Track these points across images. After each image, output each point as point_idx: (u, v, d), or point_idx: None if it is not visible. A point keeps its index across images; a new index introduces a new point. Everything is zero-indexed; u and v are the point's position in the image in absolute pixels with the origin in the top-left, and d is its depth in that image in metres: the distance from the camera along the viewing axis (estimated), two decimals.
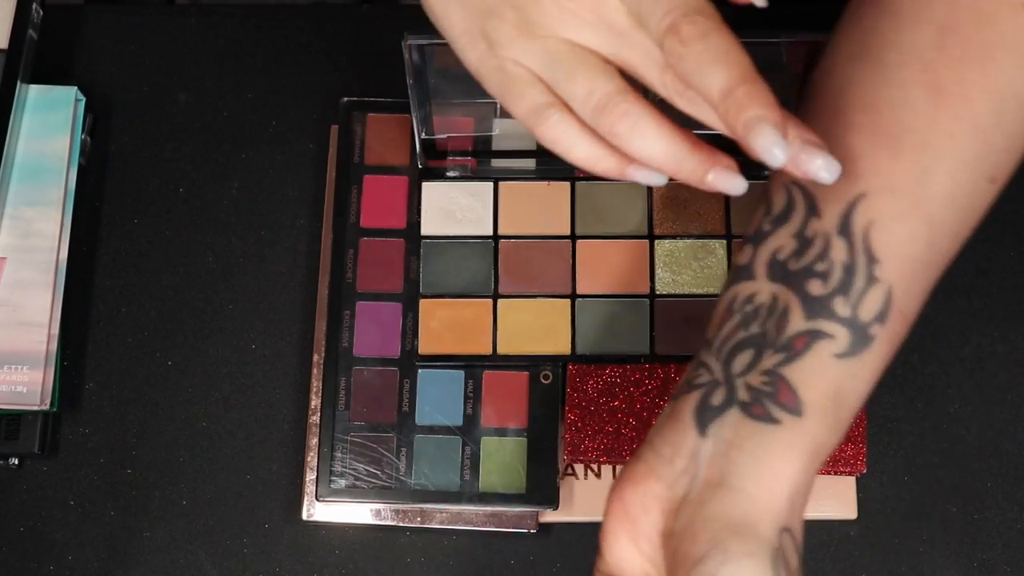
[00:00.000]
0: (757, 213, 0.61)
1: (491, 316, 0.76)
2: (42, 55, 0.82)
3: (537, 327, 0.76)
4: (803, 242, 0.58)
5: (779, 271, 0.58)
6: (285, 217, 0.81)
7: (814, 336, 0.57)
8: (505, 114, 0.65)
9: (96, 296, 0.79)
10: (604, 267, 0.77)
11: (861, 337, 0.57)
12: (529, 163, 0.78)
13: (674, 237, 0.77)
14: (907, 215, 0.58)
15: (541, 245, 0.78)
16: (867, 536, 0.75)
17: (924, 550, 0.75)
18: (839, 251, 0.58)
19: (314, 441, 0.75)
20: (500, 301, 0.77)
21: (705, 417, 0.57)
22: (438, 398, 0.75)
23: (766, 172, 0.58)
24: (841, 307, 0.57)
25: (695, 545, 0.56)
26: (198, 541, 0.76)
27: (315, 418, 0.76)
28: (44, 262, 0.77)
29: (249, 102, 0.83)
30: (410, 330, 0.76)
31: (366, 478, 0.74)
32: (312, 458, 0.75)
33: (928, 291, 0.60)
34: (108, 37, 0.84)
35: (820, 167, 0.53)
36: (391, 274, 0.77)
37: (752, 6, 0.53)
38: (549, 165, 0.78)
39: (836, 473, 0.74)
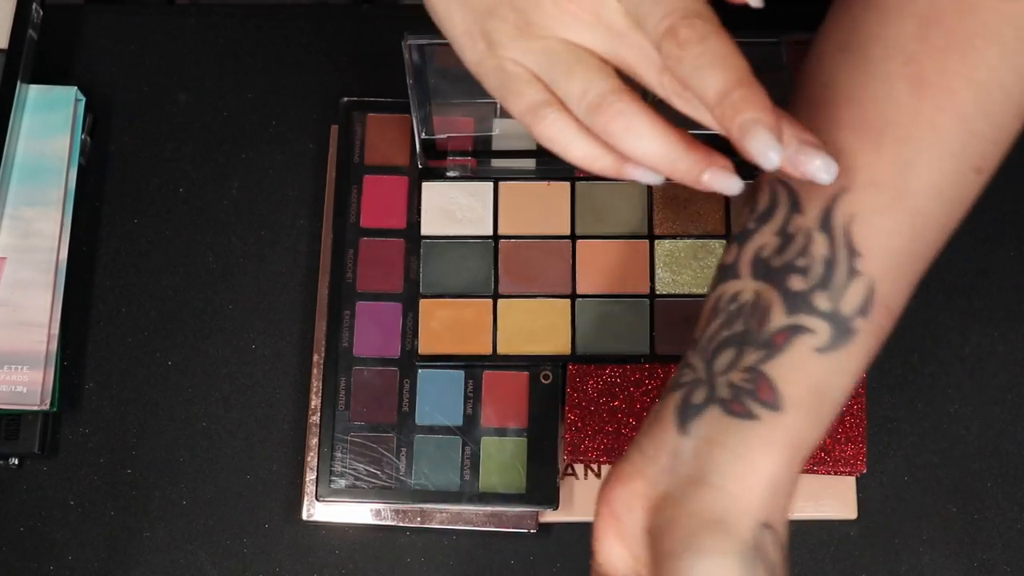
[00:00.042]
0: (743, 212, 0.61)
1: (491, 316, 0.76)
2: (42, 55, 0.82)
3: (537, 327, 0.76)
4: (785, 239, 0.59)
5: (762, 268, 0.59)
6: (285, 217, 0.81)
7: (795, 331, 0.57)
8: (505, 114, 0.66)
9: (96, 296, 0.79)
10: (604, 267, 0.77)
11: (843, 331, 0.57)
12: (529, 163, 0.78)
13: (674, 237, 0.77)
14: (889, 208, 0.58)
15: (541, 245, 0.78)
16: (867, 536, 0.75)
17: (924, 550, 0.75)
18: (820, 246, 0.58)
19: (314, 441, 0.75)
20: (500, 301, 0.77)
21: (686, 415, 0.58)
22: (438, 398, 0.75)
23: (757, 172, 0.58)
24: (822, 301, 0.57)
25: (671, 542, 0.56)
26: (198, 541, 0.76)
27: (315, 418, 0.76)
28: (44, 262, 0.77)
29: (249, 102, 0.83)
30: (410, 330, 0.76)
31: (366, 478, 0.74)
32: (312, 458, 0.75)
33: (915, 283, 0.59)
34: (108, 37, 0.84)
35: (819, 168, 0.54)
36: (391, 274, 0.77)
37: (747, 6, 0.54)
38: (549, 165, 0.78)
39: (836, 473, 0.74)
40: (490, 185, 0.79)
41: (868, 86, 0.59)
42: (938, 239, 0.59)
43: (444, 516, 0.75)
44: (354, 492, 0.74)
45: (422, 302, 0.77)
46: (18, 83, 0.79)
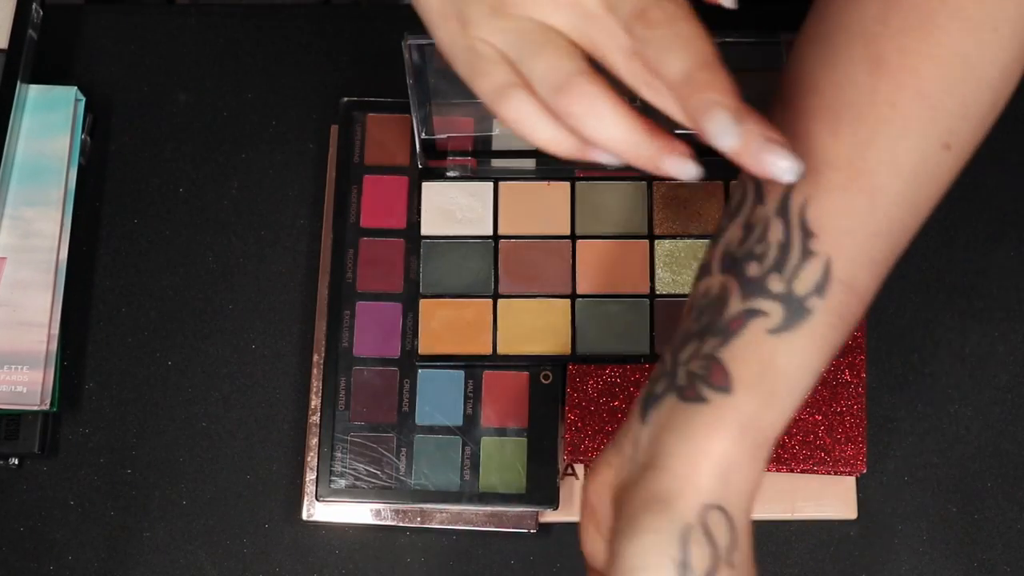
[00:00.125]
0: (723, 211, 0.61)
1: (491, 316, 0.76)
2: (42, 55, 0.82)
3: (537, 327, 0.76)
4: (748, 229, 0.59)
5: (728, 261, 0.59)
6: (285, 217, 0.81)
7: (748, 315, 0.57)
8: None
9: (96, 296, 0.79)
10: (604, 267, 0.77)
11: (797, 311, 0.57)
12: (529, 163, 0.78)
13: (674, 237, 0.77)
14: (845, 187, 0.58)
15: (541, 245, 0.78)
16: (867, 536, 0.75)
17: (924, 550, 0.75)
18: (776, 231, 0.58)
19: (314, 441, 0.75)
20: (500, 301, 0.77)
21: (648, 405, 0.58)
22: (438, 398, 0.75)
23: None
24: (776, 284, 0.57)
25: (619, 522, 0.57)
26: (198, 541, 0.76)
27: (315, 418, 0.76)
28: (44, 262, 0.77)
29: (249, 102, 0.83)
30: (410, 330, 0.76)
31: (366, 478, 0.74)
32: (312, 458, 0.75)
33: (883, 260, 0.59)
34: (108, 37, 0.84)
35: (784, 169, 0.53)
36: (391, 274, 0.77)
37: (720, 7, 0.54)
38: (549, 165, 0.78)
39: (836, 473, 0.74)
40: (490, 185, 0.79)
41: (830, 73, 0.59)
42: (906, 216, 0.59)
43: (444, 516, 0.75)
44: (354, 492, 0.74)
45: (422, 302, 0.77)
46: (18, 83, 0.79)
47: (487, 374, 0.76)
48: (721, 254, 0.60)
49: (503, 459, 0.74)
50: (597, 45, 0.55)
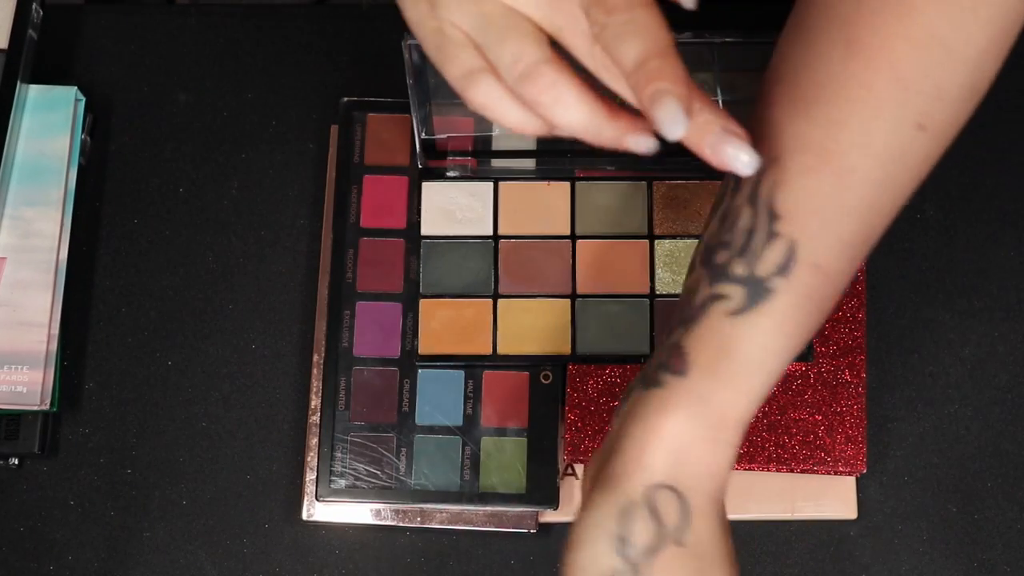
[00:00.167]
0: None
1: (491, 316, 0.76)
2: (42, 55, 0.82)
3: (537, 327, 0.76)
4: (722, 220, 0.59)
5: (706, 254, 0.60)
6: (285, 217, 0.81)
7: (710, 300, 0.58)
8: None
9: (96, 296, 0.79)
10: (604, 267, 0.77)
11: (758, 292, 0.57)
12: (529, 163, 0.78)
13: (674, 237, 0.77)
14: (813, 168, 0.58)
15: (541, 245, 0.78)
16: (867, 536, 0.75)
17: (924, 550, 0.75)
18: (745, 218, 0.58)
19: (314, 441, 0.75)
20: (500, 301, 0.77)
21: (623, 400, 0.60)
22: (438, 398, 0.75)
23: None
24: (738, 268, 0.58)
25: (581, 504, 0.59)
26: (198, 541, 0.76)
27: (315, 418, 0.76)
28: (44, 262, 0.77)
29: (249, 102, 0.83)
30: (410, 330, 0.76)
31: (366, 478, 0.74)
32: (312, 458, 0.75)
33: (855, 242, 0.59)
34: (108, 37, 0.84)
35: (744, 163, 0.54)
36: (391, 274, 0.77)
37: (679, 6, 0.54)
38: (549, 165, 0.78)
39: (836, 473, 0.74)
40: (490, 185, 0.79)
41: (806, 55, 0.59)
42: (880, 197, 0.59)
43: (444, 516, 0.75)
44: (354, 492, 0.74)
45: (422, 302, 0.77)
46: (18, 83, 0.79)
47: (487, 374, 0.76)
48: (701, 249, 0.60)
49: (503, 459, 0.74)
50: (560, 30, 0.56)
